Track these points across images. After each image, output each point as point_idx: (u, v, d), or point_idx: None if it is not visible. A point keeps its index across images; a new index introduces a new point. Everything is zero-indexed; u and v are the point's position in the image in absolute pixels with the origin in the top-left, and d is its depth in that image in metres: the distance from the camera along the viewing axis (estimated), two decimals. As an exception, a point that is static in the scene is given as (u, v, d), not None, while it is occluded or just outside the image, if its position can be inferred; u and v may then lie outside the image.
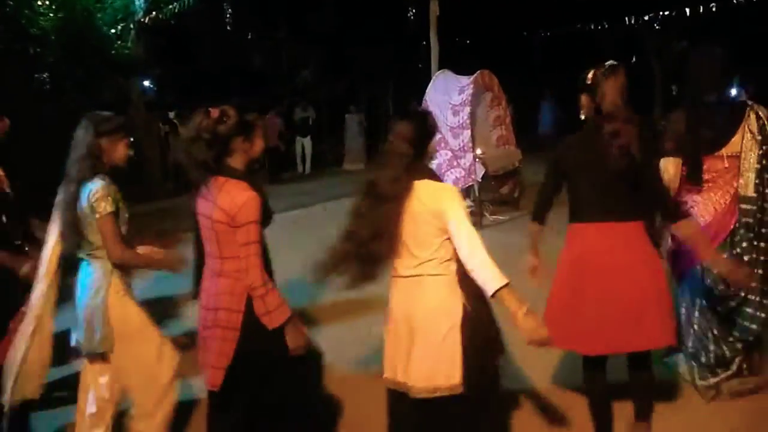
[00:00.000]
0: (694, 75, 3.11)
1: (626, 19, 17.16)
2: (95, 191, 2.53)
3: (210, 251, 2.38)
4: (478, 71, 7.77)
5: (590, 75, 2.61)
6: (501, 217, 7.84)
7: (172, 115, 12.65)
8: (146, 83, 14.38)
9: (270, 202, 2.73)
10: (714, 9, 14.63)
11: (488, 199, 8.04)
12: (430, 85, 8.01)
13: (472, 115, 7.55)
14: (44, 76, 9.86)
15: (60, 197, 2.66)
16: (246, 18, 15.80)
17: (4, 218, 3.07)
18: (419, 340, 2.27)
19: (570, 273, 2.61)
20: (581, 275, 2.57)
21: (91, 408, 2.74)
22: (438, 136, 8.30)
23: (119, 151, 2.68)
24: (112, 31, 11.03)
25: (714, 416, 3.08)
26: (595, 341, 2.54)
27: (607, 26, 17.86)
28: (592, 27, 18.18)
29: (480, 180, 7.58)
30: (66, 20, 9.73)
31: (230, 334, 2.30)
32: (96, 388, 2.75)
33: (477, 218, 7.37)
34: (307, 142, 13.62)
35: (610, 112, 2.50)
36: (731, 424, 3.01)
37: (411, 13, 17.86)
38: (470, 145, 7.43)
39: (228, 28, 16.07)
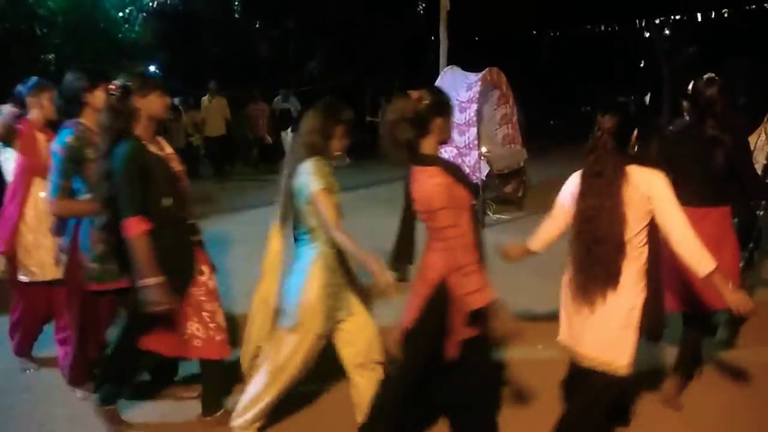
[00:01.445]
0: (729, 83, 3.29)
1: (637, 21, 17.08)
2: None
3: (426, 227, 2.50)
4: (487, 68, 7.71)
5: (691, 86, 3.12)
6: (504, 216, 7.80)
7: (177, 101, 12.59)
8: (152, 68, 14.34)
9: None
10: (726, 15, 14.53)
11: (492, 197, 8.00)
12: (437, 80, 7.95)
13: (479, 113, 7.50)
14: (50, 57, 9.81)
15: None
16: (254, 6, 15.72)
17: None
18: (602, 315, 2.44)
19: None
20: None
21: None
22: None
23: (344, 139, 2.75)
24: (120, 14, 10.98)
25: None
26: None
27: (617, 28, 17.77)
28: (602, 28, 18.09)
29: (484, 178, 7.54)
30: (74, 2, 9.69)
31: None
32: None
33: (480, 216, 7.33)
34: (289, 135, 12.84)
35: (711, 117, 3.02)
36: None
37: (421, 8, 17.79)
38: (476, 142, 7.38)
39: (236, 15, 16.00)
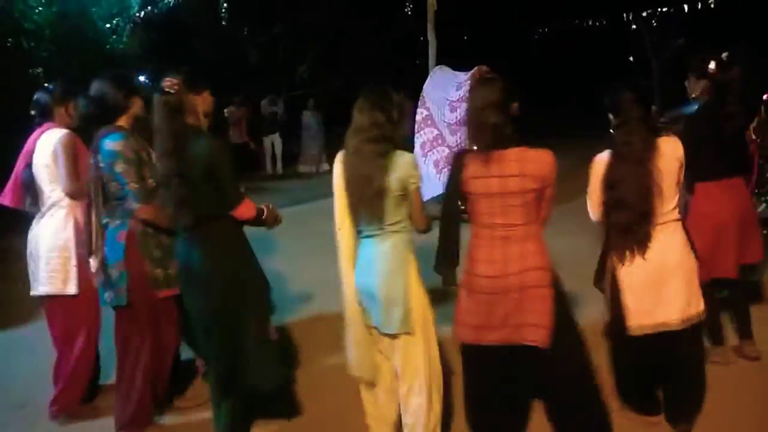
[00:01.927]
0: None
1: (624, 15, 17.14)
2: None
3: (501, 222, 2.46)
4: (476, 67, 7.71)
5: (713, 66, 3.30)
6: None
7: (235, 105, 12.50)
8: (142, 78, 14.30)
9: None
10: (712, 6, 14.61)
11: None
12: (427, 80, 7.94)
13: (470, 112, 7.50)
14: (38, 71, 9.77)
15: None
16: (241, 13, 15.70)
17: None
18: (675, 280, 2.68)
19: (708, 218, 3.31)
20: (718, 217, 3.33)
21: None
22: (435, 133, 8.22)
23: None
24: (107, 25, 10.95)
25: None
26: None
27: (605, 23, 17.83)
28: (590, 23, 18.15)
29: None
30: (60, 15, 9.65)
31: (549, 292, 2.45)
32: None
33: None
34: (277, 139, 12.71)
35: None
36: None
37: (408, 8, 17.81)
38: (467, 141, 7.38)
39: (223, 23, 15.97)
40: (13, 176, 3.31)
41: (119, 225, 2.92)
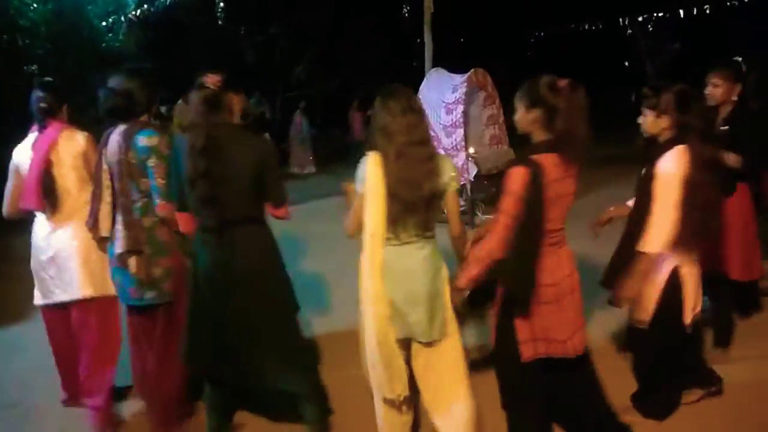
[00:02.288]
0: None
1: (620, 20, 17.21)
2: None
3: (559, 227, 2.47)
4: (472, 69, 7.73)
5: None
6: (492, 217, 7.81)
7: (163, 109, 12.53)
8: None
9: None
10: (708, 11, 14.69)
11: (480, 198, 8.01)
12: (423, 83, 7.96)
13: (465, 114, 7.51)
14: (33, 68, 9.72)
15: None
16: (238, 12, 15.69)
17: None
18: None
19: None
20: None
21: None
22: (431, 134, 8.22)
23: None
24: (103, 23, 10.91)
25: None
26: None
27: (601, 27, 17.89)
28: (587, 27, 18.21)
29: (472, 179, 7.56)
30: (56, 12, 9.62)
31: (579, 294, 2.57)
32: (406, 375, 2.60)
33: (469, 217, 7.35)
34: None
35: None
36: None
37: (405, 10, 17.84)
38: (463, 144, 7.40)
39: (220, 22, 15.96)
40: (32, 179, 3.05)
41: (156, 221, 2.85)
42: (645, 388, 3.05)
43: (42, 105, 3.07)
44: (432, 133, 7.56)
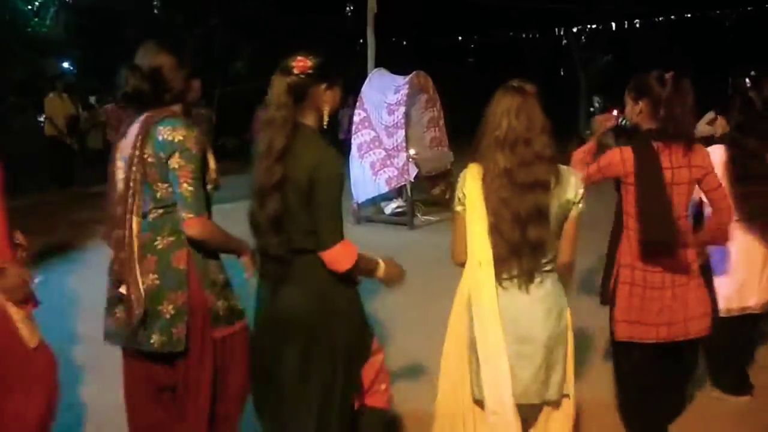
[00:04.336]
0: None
1: (556, 30, 17.79)
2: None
3: (680, 213, 2.52)
4: (414, 72, 7.78)
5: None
6: (432, 218, 7.90)
7: (93, 99, 11.99)
8: (65, 65, 13.56)
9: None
10: (638, 25, 15.39)
11: (420, 199, 8.08)
12: (366, 82, 7.95)
13: (407, 116, 7.56)
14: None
15: None
16: (176, 1, 15.18)
17: None
18: None
19: None
20: None
21: None
22: (372, 135, 8.21)
23: None
24: (29, 6, 10.32)
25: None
26: None
27: (538, 36, 18.43)
28: (524, 36, 18.72)
29: (413, 180, 7.61)
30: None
31: (703, 281, 2.61)
32: None
33: (409, 218, 7.39)
34: None
35: None
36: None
37: (349, 10, 17.79)
38: (404, 144, 7.43)
39: (155, 11, 15.40)
40: None
41: (173, 243, 2.13)
42: (719, 366, 3.21)
43: None
44: (373, 133, 7.62)
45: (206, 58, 15.25)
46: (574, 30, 17.43)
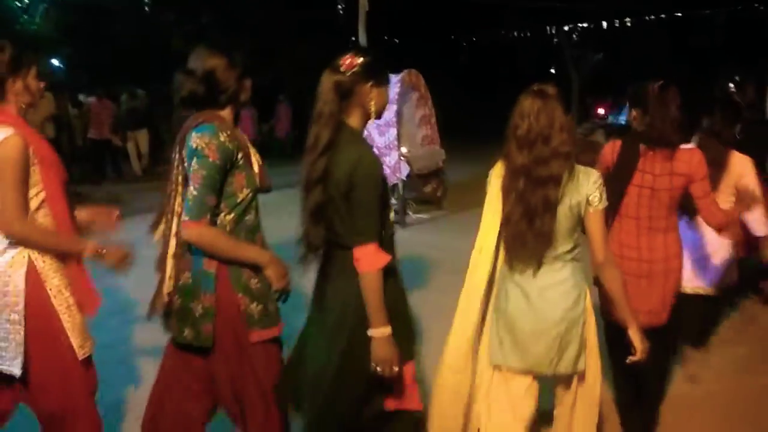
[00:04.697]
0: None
1: (547, 29, 17.85)
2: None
3: (647, 214, 2.67)
4: (405, 70, 7.80)
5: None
6: (424, 216, 7.91)
7: (82, 97, 11.92)
8: (55, 62, 13.48)
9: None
10: (629, 24, 15.46)
11: (412, 197, 8.09)
12: (357, 81, 7.96)
13: (399, 114, 7.57)
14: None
15: None
16: (167, -1, 15.14)
17: None
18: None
19: None
20: None
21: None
22: (364, 133, 8.20)
23: None
24: (18, 3, 10.25)
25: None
26: None
27: (529, 35, 18.49)
28: (516, 35, 18.77)
29: (405, 179, 7.62)
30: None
31: (676, 275, 2.74)
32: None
33: (401, 216, 7.41)
34: (142, 136, 11.30)
35: None
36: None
37: (341, 8, 17.77)
38: (396, 143, 7.45)
39: (146, 8, 15.33)
40: None
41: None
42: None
43: None
44: (365, 132, 7.63)
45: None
46: (566, 29, 17.50)
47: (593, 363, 2.26)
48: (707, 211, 2.66)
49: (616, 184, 2.63)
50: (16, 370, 2.11)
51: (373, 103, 2.09)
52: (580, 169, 2.13)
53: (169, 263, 2.18)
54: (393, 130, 7.41)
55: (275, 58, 15.30)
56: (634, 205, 2.68)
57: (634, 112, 2.79)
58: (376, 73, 2.09)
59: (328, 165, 1.99)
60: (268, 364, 2.25)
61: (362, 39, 8.69)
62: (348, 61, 2.04)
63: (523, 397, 2.24)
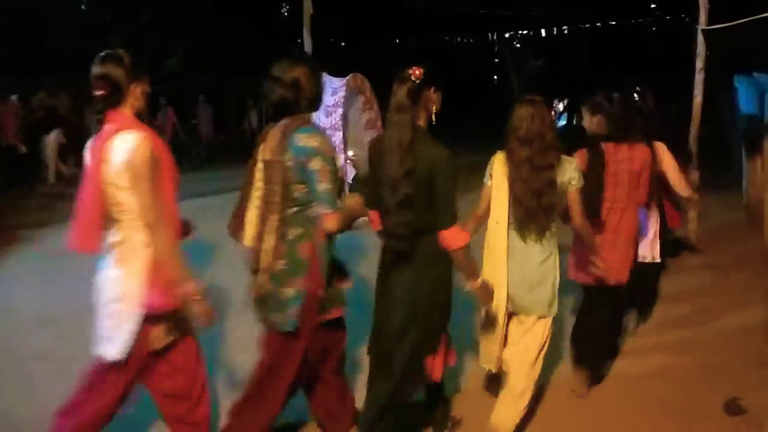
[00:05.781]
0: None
1: (489, 35, 18.25)
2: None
3: (618, 195, 3.30)
4: (351, 74, 7.81)
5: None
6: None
7: (14, 98, 11.35)
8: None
9: None
10: (566, 32, 16.00)
11: (358, 200, 8.11)
12: (302, 84, 7.91)
13: (345, 117, 7.58)
14: None
15: None
16: (104, -2, 14.66)
17: None
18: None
19: None
20: None
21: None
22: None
23: None
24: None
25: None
26: None
27: (472, 41, 18.85)
28: (459, 40, 19.10)
29: (351, 182, 7.62)
30: None
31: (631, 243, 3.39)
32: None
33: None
34: (55, 139, 10.43)
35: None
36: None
37: (285, 10, 17.64)
38: (342, 146, 7.45)
39: (82, 6, 14.78)
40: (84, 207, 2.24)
41: (300, 236, 2.43)
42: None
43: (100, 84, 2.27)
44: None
45: (137, 55, 14.77)
46: (506, 35, 17.95)
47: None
48: (674, 183, 3.74)
49: (590, 184, 3.06)
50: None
51: (434, 105, 2.52)
52: (564, 158, 2.77)
53: (268, 256, 2.42)
54: (339, 134, 7.41)
55: (217, 60, 15.04)
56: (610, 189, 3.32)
57: (596, 119, 3.38)
58: (435, 79, 2.51)
59: (412, 160, 2.34)
60: (335, 340, 2.66)
61: (307, 42, 8.64)
62: (416, 72, 2.44)
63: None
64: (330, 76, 7.98)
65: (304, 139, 2.35)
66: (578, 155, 3.27)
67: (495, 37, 18.07)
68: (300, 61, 2.51)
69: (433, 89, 2.49)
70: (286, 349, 2.50)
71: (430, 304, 2.51)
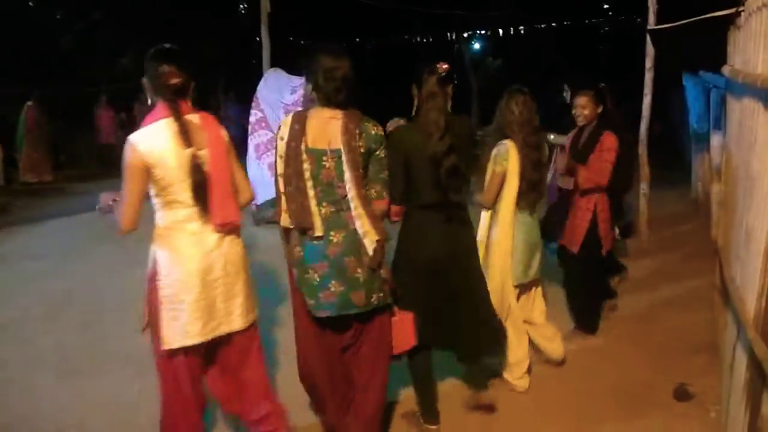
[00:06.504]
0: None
1: (448, 35, 18.41)
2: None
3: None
4: (311, 72, 7.76)
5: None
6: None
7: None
8: None
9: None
10: (523, 32, 16.29)
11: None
12: (261, 82, 7.83)
13: (305, 116, 7.53)
14: None
15: None
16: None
17: None
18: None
19: None
20: None
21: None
22: (269, 136, 8.07)
23: None
24: None
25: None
26: None
27: (430, 40, 18.98)
28: (418, 39, 19.22)
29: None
30: None
31: (589, 215, 3.93)
32: None
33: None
34: None
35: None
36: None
37: (243, 8, 17.43)
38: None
39: (30, 3, 14.29)
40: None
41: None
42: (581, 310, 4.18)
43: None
44: (270, 134, 7.48)
45: (89, 54, 14.37)
46: (465, 35, 18.13)
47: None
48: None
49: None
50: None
51: (451, 94, 2.88)
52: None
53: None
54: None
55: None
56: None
57: (600, 108, 4.03)
58: (453, 75, 2.90)
59: (453, 138, 2.74)
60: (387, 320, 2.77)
61: (265, 41, 8.57)
62: (444, 66, 2.82)
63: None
64: (289, 75, 7.91)
65: (374, 128, 2.55)
66: (609, 137, 3.85)
67: (454, 37, 18.22)
68: (343, 53, 2.69)
69: (454, 82, 2.91)
70: (387, 323, 2.74)
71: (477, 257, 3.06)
